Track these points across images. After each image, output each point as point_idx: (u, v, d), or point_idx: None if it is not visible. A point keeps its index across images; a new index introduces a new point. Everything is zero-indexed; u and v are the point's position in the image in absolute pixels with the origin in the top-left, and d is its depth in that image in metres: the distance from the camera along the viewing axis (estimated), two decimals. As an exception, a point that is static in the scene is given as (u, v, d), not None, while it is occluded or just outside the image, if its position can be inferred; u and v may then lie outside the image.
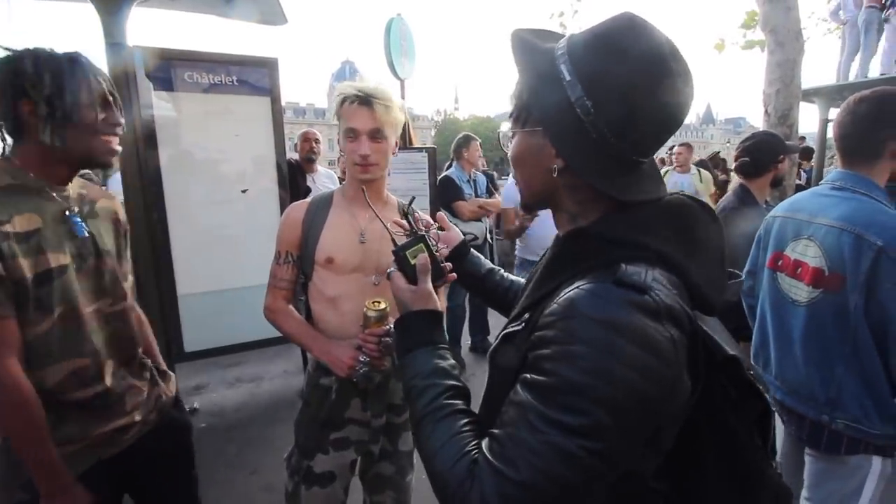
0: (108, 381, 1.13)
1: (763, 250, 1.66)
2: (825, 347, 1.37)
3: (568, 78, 0.62)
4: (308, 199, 1.42)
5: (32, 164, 1.06)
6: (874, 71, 5.94)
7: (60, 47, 1.06)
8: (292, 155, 3.75)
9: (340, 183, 3.75)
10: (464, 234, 4.12)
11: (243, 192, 2.90)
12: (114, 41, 2.36)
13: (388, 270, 0.87)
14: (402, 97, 4.98)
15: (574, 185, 0.68)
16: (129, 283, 1.25)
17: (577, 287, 0.59)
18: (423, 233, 0.91)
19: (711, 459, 0.63)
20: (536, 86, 0.66)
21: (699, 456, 0.63)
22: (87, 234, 1.12)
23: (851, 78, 6.17)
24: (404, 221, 0.98)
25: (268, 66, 2.95)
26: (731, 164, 2.64)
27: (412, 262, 0.85)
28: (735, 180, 2.41)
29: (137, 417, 1.20)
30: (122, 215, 1.29)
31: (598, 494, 0.56)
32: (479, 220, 3.79)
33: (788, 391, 1.50)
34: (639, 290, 0.55)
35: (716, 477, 0.63)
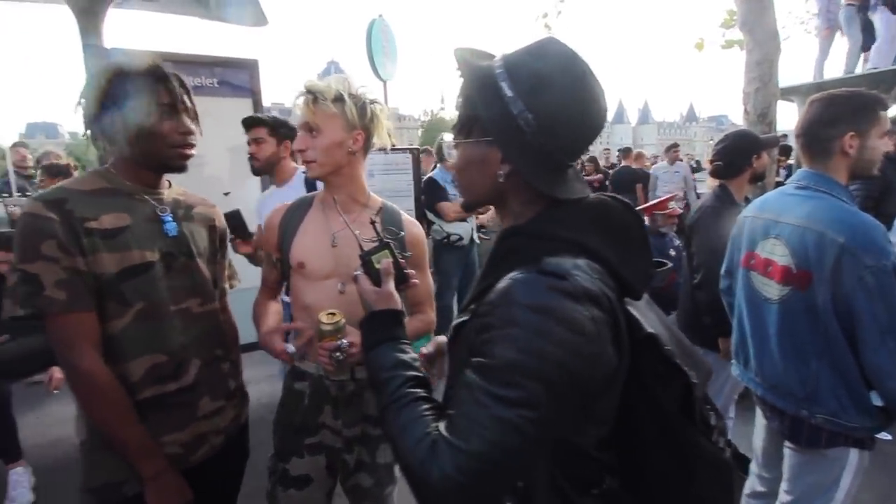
0: (190, 378, 1.16)
1: (737, 249, 1.70)
2: (799, 343, 1.40)
3: (510, 94, 0.71)
4: (288, 203, 1.40)
5: (124, 170, 1.14)
6: (861, 65, 6.06)
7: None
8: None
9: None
10: (449, 234, 4.12)
11: (226, 194, 2.87)
12: (89, 42, 2.33)
13: (355, 273, 0.93)
14: (385, 98, 4.96)
15: (516, 187, 0.76)
16: (220, 288, 1.31)
17: (509, 278, 0.67)
18: (388, 240, 0.98)
19: (646, 432, 0.71)
20: (481, 101, 0.73)
21: (636, 429, 0.72)
22: (177, 234, 1.17)
23: (827, 76, 6.30)
24: (371, 228, 1.03)
25: (248, 68, 2.93)
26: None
27: (376, 266, 0.92)
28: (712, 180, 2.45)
29: (211, 427, 1.20)
30: (220, 222, 1.36)
31: (538, 457, 0.67)
32: (464, 220, 3.80)
33: (768, 387, 1.53)
34: (559, 276, 0.64)
35: (653, 447, 0.71)
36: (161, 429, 1.11)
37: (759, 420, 1.69)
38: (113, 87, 1.06)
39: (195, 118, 1.18)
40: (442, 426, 0.65)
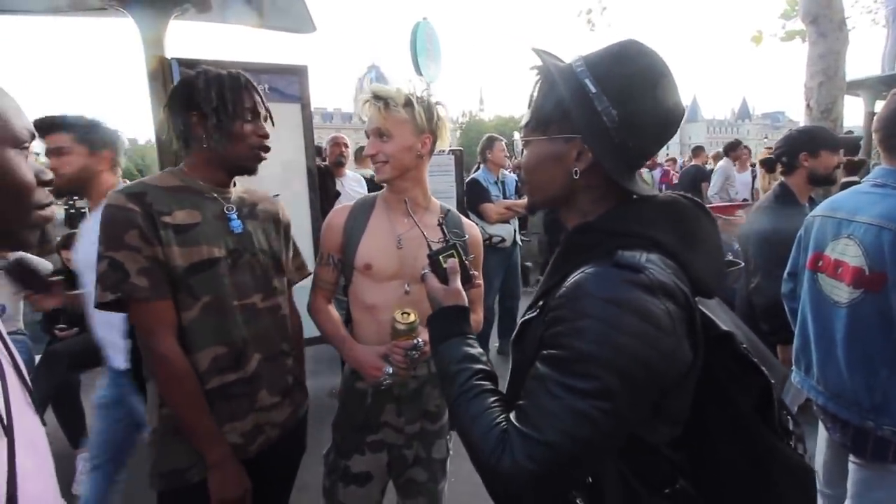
0: (250, 370, 1.20)
1: (804, 251, 1.61)
2: (869, 350, 1.32)
3: (594, 90, 0.72)
4: (350, 204, 1.44)
5: (198, 170, 1.20)
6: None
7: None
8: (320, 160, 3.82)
9: (369, 186, 3.78)
10: (491, 236, 4.12)
11: (276, 196, 2.97)
12: (153, 53, 2.46)
13: (423, 272, 0.97)
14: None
15: (590, 185, 0.77)
16: (283, 282, 1.33)
17: (582, 272, 0.68)
18: (455, 241, 1.03)
19: (720, 432, 0.70)
20: (565, 98, 0.74)
21: (709, 429, 0.71)
22: (242, 231, 1.22)
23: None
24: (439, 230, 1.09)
25: (298, 74, 3.01)
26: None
27: (444, 265, 0.96)
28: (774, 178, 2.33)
29: (268, 419, 1.25)
30: (284, 216, 1.40)
31: (610, 451, 0.67)
32: (506, 221, 3.77)
33: (831, 396, 1.44)
34: (634, 269, 0.64)
35: (726, 449, 0.69)
36: (222, 418, 1.16)
37: (822, 433, 1.59)
38: (199, 92, 1.13)
39: (269, 122, 1.25)
40: (512, 416, 0.67)
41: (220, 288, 1.15)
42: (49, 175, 0.65)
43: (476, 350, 0.82)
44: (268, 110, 1.25)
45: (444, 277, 0.95)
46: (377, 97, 1.26)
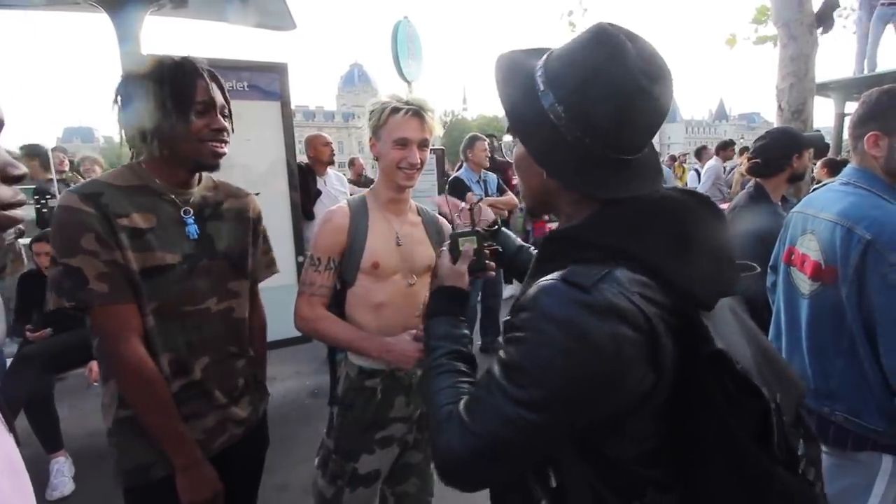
0: (197, 375, 1.16)
1: (782, 245, 1.67)
2: (825, 340, 1.39)
3: (542, 88, 0.69)
4: (344, 205, 1.43)
5: (155, 167, 1.13)
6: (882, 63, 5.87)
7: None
8: (301, 158, 3.78)
9: (352, 185, 3.74)
10: (484, 230, 4.10)
11: (256, 195, 2.93)
12: (128, 49, 2.42)
13: (440, 249, 1.04)
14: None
15: (562, 188, 0.74)
16: (242, 284, 1.28)
17: (537, 284, 0.66)
18: (479, 229, 1.07)
19: (712, 455, 0.64)
20: (516, 99, 0.72)
21: (701, 451, 0.65)
22: (198, 237, 1.17)
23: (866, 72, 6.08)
24: (468, 212, 1.13)
25: (278, 72, 2.98)
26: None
27: (461, 248, 1.00)
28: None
29: (229, 415, 1.23)
30: (254, 211, 1.34)
31: (534, 456, 0.69)
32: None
33: None
34: (582, 288, 0.61)
35: (718, 472, 0.64)
36: (183, 418, 1.14)
37: None
38: (145, 85, 1.06)
39: (229, 116, 1.17)
40: (461, 401, 0.70)
41: (167, 295, 1.11)
42: (19, 169, 0.53)
43: (459, 331, 0.85)
44: (226, 98, 1.16)
45: (456, 258, 0.99)
46: (425, 110, 1.32)
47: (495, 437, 0.63)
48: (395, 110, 1.30)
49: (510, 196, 4.02)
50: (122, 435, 1.13)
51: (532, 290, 0.66)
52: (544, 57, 0.73)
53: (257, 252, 1.35)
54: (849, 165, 1.48)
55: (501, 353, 0.68)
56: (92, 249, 1.01)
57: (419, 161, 1.34)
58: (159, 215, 1.11)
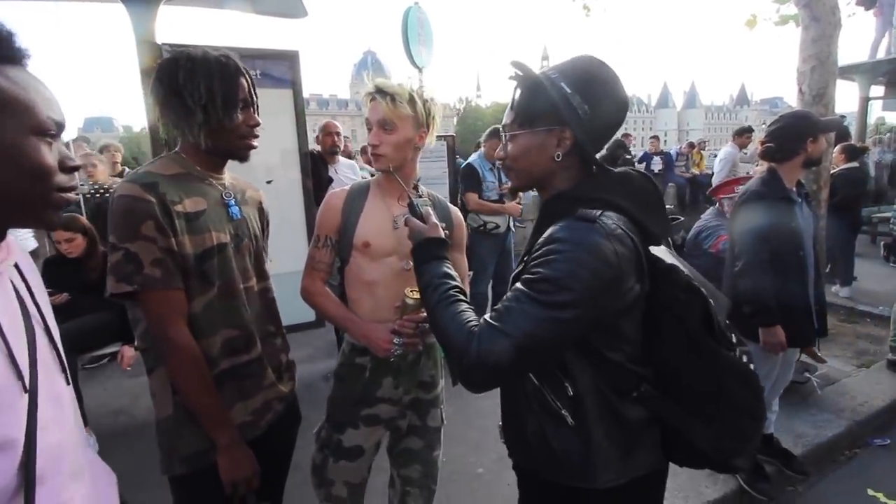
0: (258, 350, 1.25)
1: None
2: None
3: (569, 90, 0.94)
4: (346, 188, 1.49)
5: (192, 156, 1.20)
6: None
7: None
8: (315, 146, 3.82)
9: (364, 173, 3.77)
10: (486, 222, 4.12)
11: (269, 182, 2.98)
12: (143, 39, 2.46)
13: (404, 216, 1.17)
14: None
15: (566, 165, 0.99)
16: (268, 267, 1.37)
17: (553, 226, 0.90)
18: (427, 200, 1.30)
19: (674, 344, 0.93)
20: (553, 98, 0.93)
21: (666, 343, 0.94)
22: (241, 217, 1.25)
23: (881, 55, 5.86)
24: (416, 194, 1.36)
25: (289, 60, 3.00)
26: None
27: (420, 210, 1.15)
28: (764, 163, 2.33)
29: (275, 394, 1.30)
30: (265, 204, 1.44)
31: (557, 350, 0.90)
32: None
33: None
34: (591, 220, 0.86)
35: (681, 356, 0.92)
36: (235, 397, 1.20)
37: None
38: (189, 78, 1.10)
39: (257, 109, 1.24)
40: (487, 315, 0.87)
41: (230, 272, 1.18)
42: (74, 162, 0.70)
43: (454, 272, 1.02)
44: (256, 94, 1.23)
45: (422, 219, 1.13)
46: (383, 92, 1.32)
47: (531, 335, 0.81)
48: (366, 95, 1.36)
49: (513, 205, 3.99)
50: (180, 421, 1.16)
51: (549, 230, 0.89)
52: (551, 69, 0.98)
53: (266, 243, 1.43)
54: None
55: (526, 276, 0.86)
56: (151, 236, 1.07)
57: (376, 142, 1.34)
58: (207, 199, 1.18)
